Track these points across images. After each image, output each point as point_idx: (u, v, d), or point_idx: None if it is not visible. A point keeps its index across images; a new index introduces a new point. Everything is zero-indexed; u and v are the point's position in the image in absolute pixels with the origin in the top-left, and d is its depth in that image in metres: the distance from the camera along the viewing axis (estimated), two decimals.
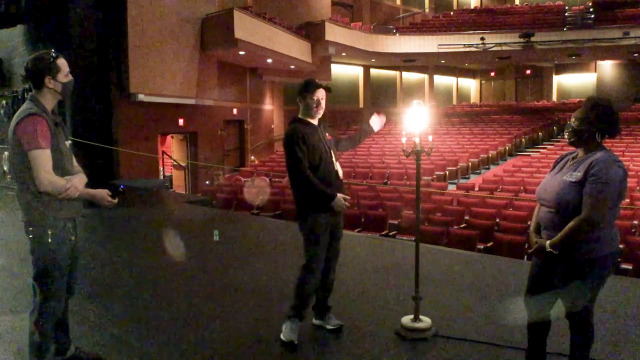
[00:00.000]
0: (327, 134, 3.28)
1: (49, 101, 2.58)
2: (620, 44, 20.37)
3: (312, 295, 3.25)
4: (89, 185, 2.68)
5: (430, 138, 3.35)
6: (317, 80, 3.27)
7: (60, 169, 2.54)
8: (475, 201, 8.97)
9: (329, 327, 3.35)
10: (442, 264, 5.12)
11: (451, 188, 11.56)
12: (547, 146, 17.75)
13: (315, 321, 3.42)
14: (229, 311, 3.82)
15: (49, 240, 2.51)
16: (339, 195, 3.11)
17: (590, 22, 22.63)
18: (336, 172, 3.21)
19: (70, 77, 2.62)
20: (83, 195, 2.63)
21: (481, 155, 15.37)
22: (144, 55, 12.87)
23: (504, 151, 16.81)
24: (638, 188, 9.93)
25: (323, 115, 3.29)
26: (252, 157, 17.94)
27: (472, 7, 30.57)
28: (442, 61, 25.21)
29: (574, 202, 2.36)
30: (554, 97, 27.53)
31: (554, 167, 2.64)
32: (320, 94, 3.17)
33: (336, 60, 21.99)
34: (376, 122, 3.49)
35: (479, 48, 21.99)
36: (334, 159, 3.21)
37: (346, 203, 3.15)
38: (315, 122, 3.22)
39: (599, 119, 2.41)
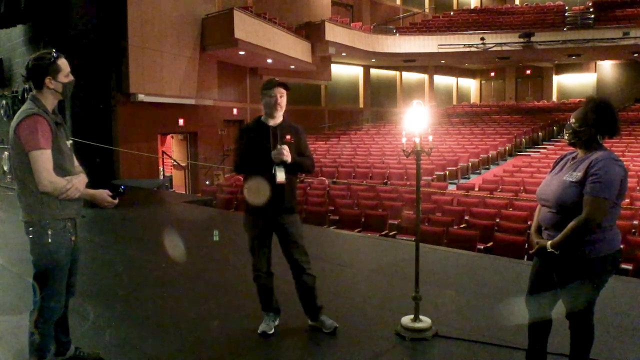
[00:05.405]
0: (287, 136, 3.16)
1: (50, 101, 2.58)
2: (620, 44, 20.38)
3: None
4: (90, 185, 2.68)
5: (430, 138, 3.34)
6: (276, 78, 3.27)
7: (61, 169, 2.53)
8: (475, 201, 8.96)
9: (324, 330, 3.32)
10: (442, 264, 5.12)
11: (451, 188, 11.55)
12: (547, 146, 17.74)
13: (311, 323, 3.39)
14: (229, 311, 3.82)
15: (49, 241, 2.51)
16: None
17: (590, 22, 22.65)
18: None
19: (71, 77, 2.61)
20: (83, 196, 2.63)
21: (481, 156, 15.36)
22: (144, 55, 12.88)
23: (504, 151, 16.80)
24: (638, 188, 9.92)
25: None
26: None
27: (472, 7, 30.60)
28: (442, 61, 25.23)
29: (575, 202, 2.35)
30: (554, 97, 27.55)
31: (554, 167, 2.63)
32: (278, 92, 3.14)
33: (336, 60, 21.99)
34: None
35: (479, 48, 22.00)
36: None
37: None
38: (273, 121, 3.18)
39: (599, 119, 2.40)
